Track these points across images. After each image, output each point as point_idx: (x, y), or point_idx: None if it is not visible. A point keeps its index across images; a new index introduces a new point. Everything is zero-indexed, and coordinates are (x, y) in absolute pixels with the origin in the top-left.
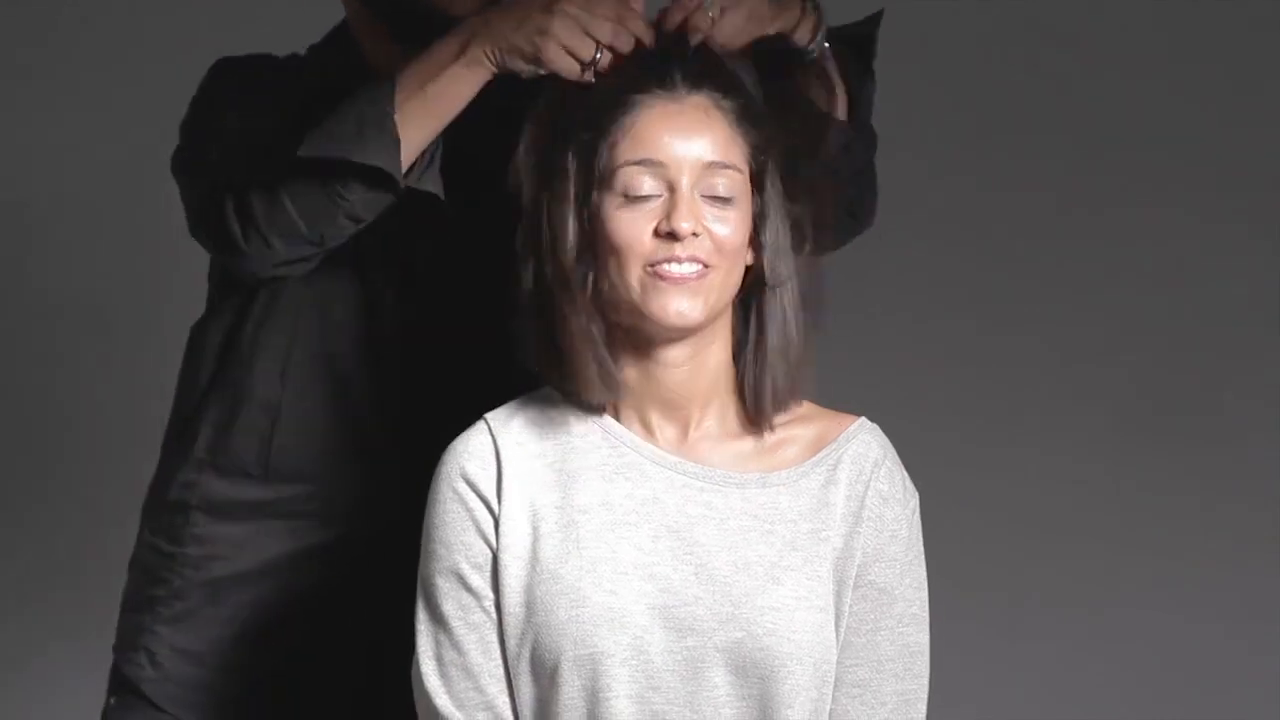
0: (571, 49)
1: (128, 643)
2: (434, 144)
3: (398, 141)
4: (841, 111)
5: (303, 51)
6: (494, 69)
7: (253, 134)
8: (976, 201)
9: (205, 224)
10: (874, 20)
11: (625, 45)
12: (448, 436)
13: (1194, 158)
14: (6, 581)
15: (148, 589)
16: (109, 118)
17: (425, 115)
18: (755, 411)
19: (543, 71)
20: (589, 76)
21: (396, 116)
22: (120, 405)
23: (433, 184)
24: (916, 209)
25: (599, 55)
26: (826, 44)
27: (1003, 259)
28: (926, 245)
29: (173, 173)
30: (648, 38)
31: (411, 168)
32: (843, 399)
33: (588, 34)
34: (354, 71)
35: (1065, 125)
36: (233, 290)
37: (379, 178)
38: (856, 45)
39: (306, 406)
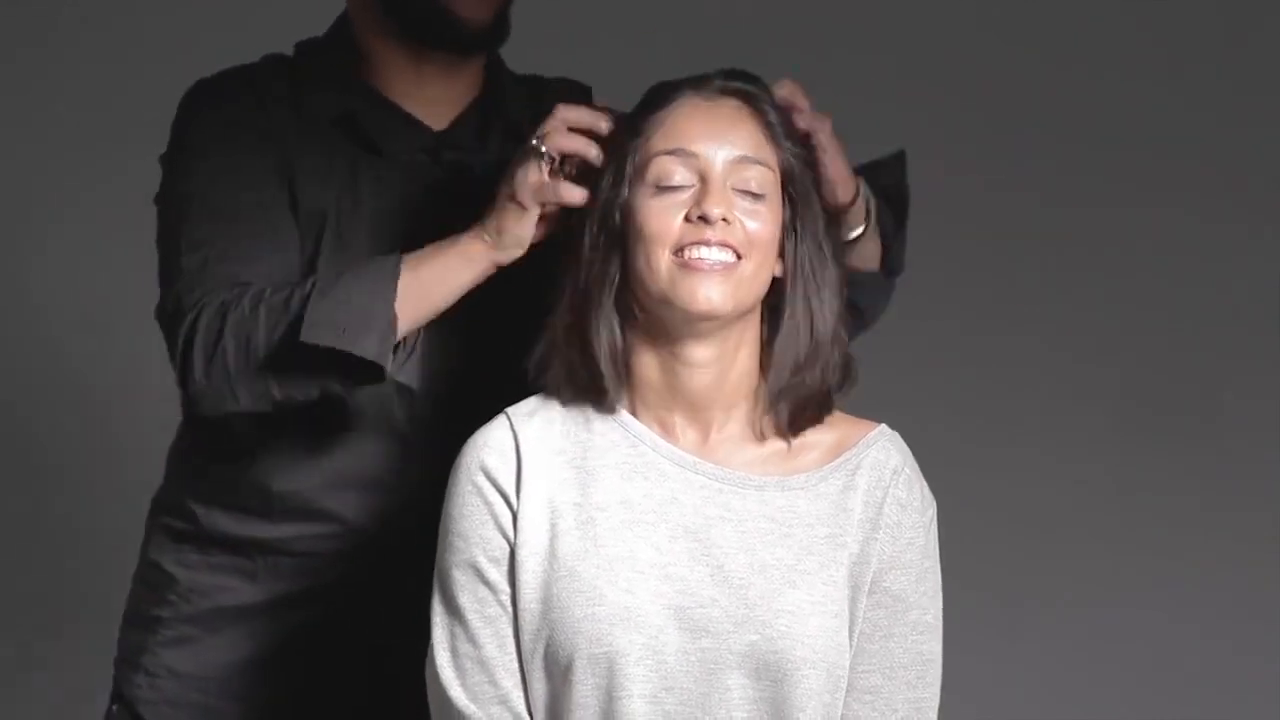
0: (539, 166)
1: (128, 660)
2: (416, 334)
3: (394, 338)
4: (875, 261)
5: (289, 51)
6: (491, 257)
7: (229, 205)
8: (977, 202)
9: (167, 328)
10: (900, 164)
11: (577, 121)
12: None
13: (1195, 158)
14: (7, 584)
15: (150, 608)
16: (110, 117)
17: (420, 304)
18: (784, 422)
19: (535, 218)
20: (568, 177)
21: (397, 306)
22: (123, 405)
23: (407, 375)
24: (916, 210)
25: (556, 159)
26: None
27: (1002, 259)
28: (926, 246)
29: (156, 206)
30: (594, 122)
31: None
32: (841, 399)
33: (553, 139)
34: (347, 89)
35: (1066, 125)
36: None
37: (368, 371)
38: (890, 195)
39: (307, 455)
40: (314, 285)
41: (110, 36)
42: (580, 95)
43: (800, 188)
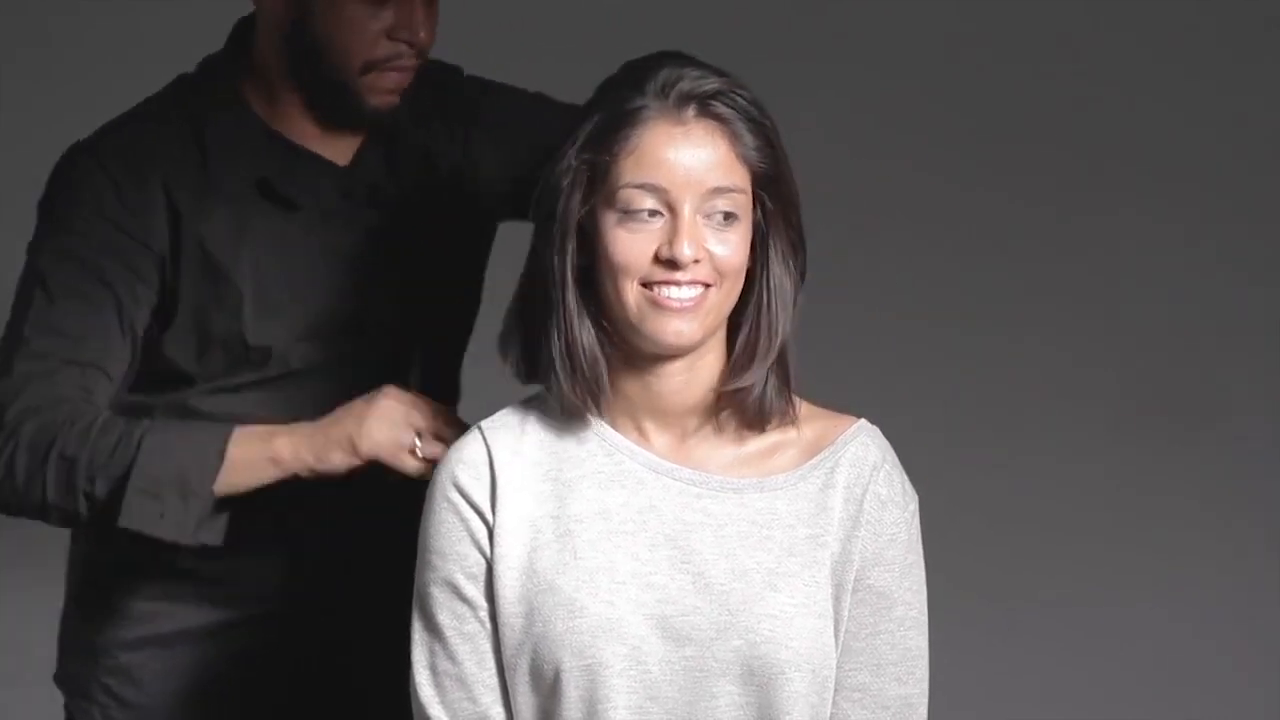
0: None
1: (78, 689)
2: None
3: (214, 517)
4: None
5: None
6: (298, 470)
7: (71, 300)
8: (975, 202)
9: None
10: None
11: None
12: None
13: (1194, 158)
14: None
15: (89, 635)
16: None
17: (230, 488)
18: (753, 417)
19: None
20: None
21: (215, 487)
22: None
23: (210, 535)
24: (915, 210)
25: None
26: None
27: (1000, 259)
28: (924, 246)
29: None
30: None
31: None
32: (839, 400)
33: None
34: (256, 144)
35: (1064, 126)
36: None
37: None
38: None
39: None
40: (134, 459)
41: (111, 37)
42: (447, 75)
43: (772, 188)
